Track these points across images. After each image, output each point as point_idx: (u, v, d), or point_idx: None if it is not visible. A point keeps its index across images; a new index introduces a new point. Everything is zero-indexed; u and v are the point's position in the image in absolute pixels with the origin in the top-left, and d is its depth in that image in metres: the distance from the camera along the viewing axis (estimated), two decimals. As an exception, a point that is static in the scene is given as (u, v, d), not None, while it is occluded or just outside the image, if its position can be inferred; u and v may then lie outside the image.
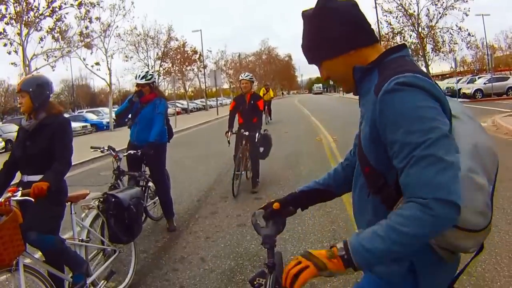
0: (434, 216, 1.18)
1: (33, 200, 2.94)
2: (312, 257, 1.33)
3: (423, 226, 1.20)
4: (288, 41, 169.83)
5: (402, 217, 1.23)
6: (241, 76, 7.85)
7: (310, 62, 1.59)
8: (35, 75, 3.52)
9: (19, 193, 2.96)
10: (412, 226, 1.21)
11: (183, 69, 46.16)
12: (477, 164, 1.35)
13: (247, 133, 7.34)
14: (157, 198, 6.02)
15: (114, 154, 5.36)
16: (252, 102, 7.46)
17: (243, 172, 7.79)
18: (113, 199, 3.66)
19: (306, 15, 1.55)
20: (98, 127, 31.73)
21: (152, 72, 5.83)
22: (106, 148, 5.40)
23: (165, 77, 40.43)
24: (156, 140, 5.36)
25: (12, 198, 2.91)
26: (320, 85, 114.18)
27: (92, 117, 34.59)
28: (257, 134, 7.36)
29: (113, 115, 20.87)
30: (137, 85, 5.52)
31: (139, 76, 5.51)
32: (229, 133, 7.46)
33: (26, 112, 3.40)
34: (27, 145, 3.36)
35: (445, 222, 1.21)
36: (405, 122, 1.25)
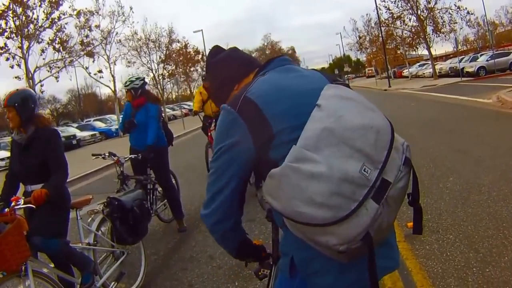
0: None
1: (34, 206, 3.07)
2: None
3: None
4: (291, 34, 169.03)
5: None
6: None
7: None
8: (19, 89, 3.47)
9: (22, 201, 3.08)
10: None
11: (187, 70, 46.19)
12: (322, 148, 1.25)
13: None
14: (166, 200, 6.06)
15: (115, 159, 5.38)
16: None
17: None
18: (116, 202, 3.72)
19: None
20: (107, 134, 31.79)
21: (143, 77, 5.84)
22: (107, 154, 5.42)
23: (169, 79, 40.46)
24: (154, 143, 5.38)
25: (16, 207, 3.02)
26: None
27: (100, 125, 34.76)
28: None
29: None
30: (132, 89, 5.48)
31: (133, 81, 5.50)
32: None
33: (15, 127, 3.42)
34: (22, 159, 3.45)
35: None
36: None
